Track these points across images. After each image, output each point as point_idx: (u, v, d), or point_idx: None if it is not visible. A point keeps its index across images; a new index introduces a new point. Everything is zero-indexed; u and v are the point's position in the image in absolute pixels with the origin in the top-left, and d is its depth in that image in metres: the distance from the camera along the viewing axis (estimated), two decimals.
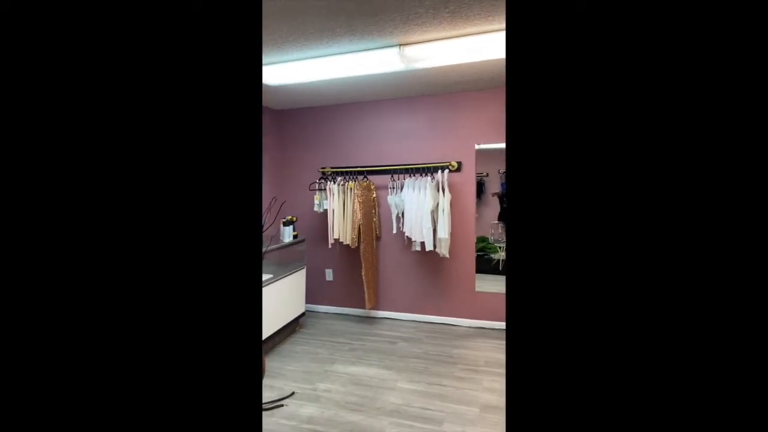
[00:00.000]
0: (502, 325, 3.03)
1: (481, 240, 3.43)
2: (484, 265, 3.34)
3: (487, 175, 3.33)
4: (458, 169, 3.13)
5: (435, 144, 3.17)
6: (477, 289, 3.17)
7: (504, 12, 1.71)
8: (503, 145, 3.03)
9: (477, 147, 3.09)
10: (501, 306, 3.05)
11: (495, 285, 3.20)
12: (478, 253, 3.37)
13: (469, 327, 3.15)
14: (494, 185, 3.33)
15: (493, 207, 3.43)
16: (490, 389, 2.19)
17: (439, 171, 3.01)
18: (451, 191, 3.06)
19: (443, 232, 2.95)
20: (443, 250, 3.02)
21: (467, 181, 3.14)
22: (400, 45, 2.04)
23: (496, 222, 3.41)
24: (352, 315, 3.49)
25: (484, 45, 1.99)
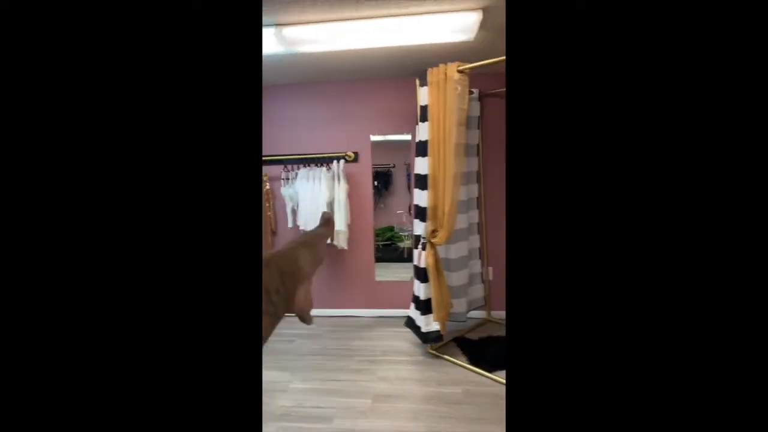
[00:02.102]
0: (402, 312, 3.10)
1: (389, 229, 3.48)
2: (391, 254, 3.39)
3: (394, 166, 3.37)
4: (355, 160, 3.09)
5: (330, 134, 3.08)
6: (377, 279, 3.20)
7: None
8: (403, 137, 3.07)
9: (372, 138, 3.08)
10: (400, 294, 3.12)
11: (400, 273, 3.26)
12: (386, 242, 3.41)
13: (370, 317, 3.17)
14: (401, 176, 3.38)
15: (401, 197, 3.50)
16: (384, 378, 2.21)
17: (335, 161, 2.94)
18: (348, 182, 3.01)
19: (340, 224, 2.90)
20: (341, 243, 2.97)
21: (364, 171, 3.12)
22: (277, 25, 1.89)
23: (402, 211, 3.49)
24: None
25: (372, 32, 1.95)
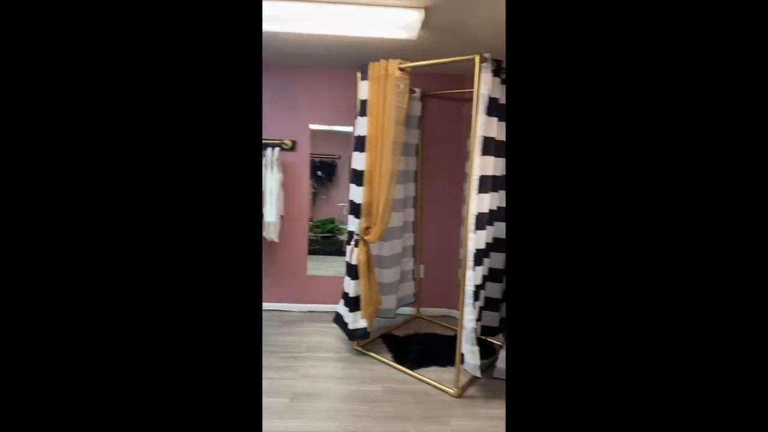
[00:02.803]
0: (332, 307, 3.06)
1: (330, 222, 3.39)
2: (331, 247, 3.31)
3: (340, 157, 3.28)
4: (292, 148, 2.97)
5: (265, 120, 2.93)
6: (310, 273, 3.12)
7: None
8: (345, 129, 3.00)
9: (312, 127, 2.97)
10: (333, 288, 3.07)
11: (339, 267, 3.18)
12: (326, 235, 3.32)
13: (300, 312, 3.09)
14: (346, 168, 3.30)
15: (345, 189, 3.43)
16: (306, 375, 2.16)
17: (269, 149, 2.80)
18: (284, 171, 2.89)
19: (271, 215, 2.77)
20: (271, 235, 2.85)
21: (302, 161, 3.01)
22: None
23: (344, 204, 3.42)
24: None
25: (314, 17, 1.85)
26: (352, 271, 2.36)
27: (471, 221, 1.95)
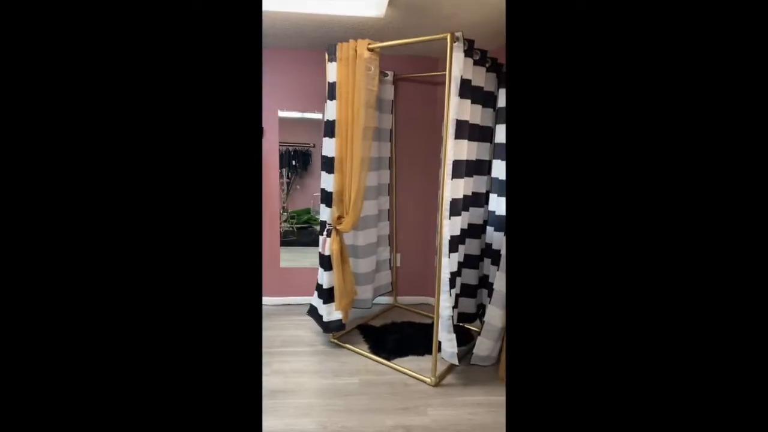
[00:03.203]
0: (308, 299, 2.98)
1: (306, 212, 3.29)
2: (307, 238, 3.21)
3: (314, 146, 3.17)
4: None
5: None
6: (283, 265, 3.02)
7: None
8: (315, 115, 2.88)
9: (281, 114, 2.84)
10: (308, 280, 2.98)
11: (315, 258, 3.11)
12: (302, 225, 3.22)
13: (273, 306, 2.99)
14: (320, 157, 3.19)
15: (319, 178, 3.32)
16: (277, 371, 2.09)
17: None
18: None
19: None
20: None
21: (271, 150, 2.88)
22: None
23: (319, 193, 3.32)
24: None
25: None
26: (326, 262, 2.28)
27: (445, 207, 1.90)
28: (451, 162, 1.88)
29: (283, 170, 3.00)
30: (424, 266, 3.06)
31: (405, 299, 3.09)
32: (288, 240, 3.06)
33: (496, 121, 2.29)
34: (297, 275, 3.03)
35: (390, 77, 2.69)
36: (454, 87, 1.83)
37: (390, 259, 2.97)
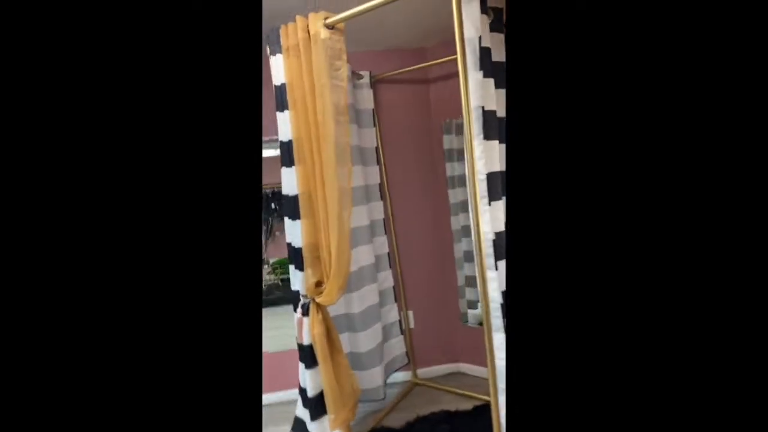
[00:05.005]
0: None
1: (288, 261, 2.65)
2: (293, 293, 2.49)
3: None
4: None
5: None
6: (267, 345, 2.20)
7: None
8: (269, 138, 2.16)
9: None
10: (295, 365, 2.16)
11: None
12: (286, 277, 2.55)
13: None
14: None
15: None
16: None
17: None
18: None
19: None
20: None
21: None
22: None
23: None
24: None
25: None
26: (307, 356, 1.49)
27: (486, 250, 1.15)
28: (485, 176, 1.15)
29: (262, 215, 2.39)
30: (447, 322, 2.27)
31: (428, 371, 2.27)
32: (273, 298, 2.43)
33: None
34: (278, 361, 2.20)
35: (366, 79, 2.01)
36: (471, 58, 1.12)
37: (400, 321, 2.18)
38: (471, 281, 2.20)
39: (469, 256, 2.18)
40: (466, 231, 2.16)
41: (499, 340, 1.16)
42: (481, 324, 2.28)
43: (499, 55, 1.39)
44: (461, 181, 2.13)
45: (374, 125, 2.05)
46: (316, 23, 1.31)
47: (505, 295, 1.18)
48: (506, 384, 0.53)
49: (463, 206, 2.14)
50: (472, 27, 1.12)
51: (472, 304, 2.22)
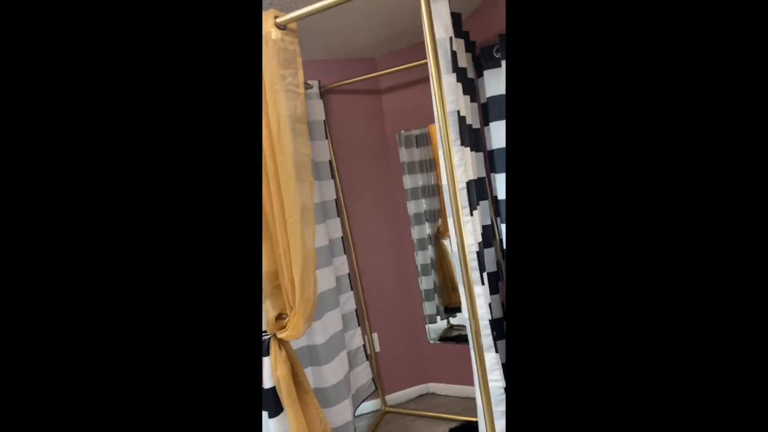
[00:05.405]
0: None
1: None
2: None
3: None
4: None
5: None
6: None
7: None
8: None
9: None
10: None
11: None
12: None
13: None
14: None
15: None
16: None
17: None
18: None
19: None
20: None
21: None
22: None
23: None
24: None
25: None
26: (270, 402, 1.28)
27: (471, 263, 1.07)
28: (464, 184, 1.08)
29: None
30: (413, 340, 2.16)
31: (397, 396, 2.14)
32: None
33: (486, 120, 1.58)
34: None
35: (315, 89, 1.88)
36: (443, 61, 1.05)
37: (365, 346, 2.02)
38: (429, 295, 2.13)
39: (425, 270, 2.11)
40: (421, 244, 2.10)
41: (491, 361, 1.07)
42: (442, 340, 2.21)
43: (462, 60, 1.35)
44: (414, 193, 2.08)
45: (326, 137, 1.92)
46: (267, 22, 1.17)
47: (505, 309, 1.10)
48: (506, 384, 0.45)
49: (417, 218, 2.08)
50: (442, 28, 1.05)
51: (432, 319, 2.15)
